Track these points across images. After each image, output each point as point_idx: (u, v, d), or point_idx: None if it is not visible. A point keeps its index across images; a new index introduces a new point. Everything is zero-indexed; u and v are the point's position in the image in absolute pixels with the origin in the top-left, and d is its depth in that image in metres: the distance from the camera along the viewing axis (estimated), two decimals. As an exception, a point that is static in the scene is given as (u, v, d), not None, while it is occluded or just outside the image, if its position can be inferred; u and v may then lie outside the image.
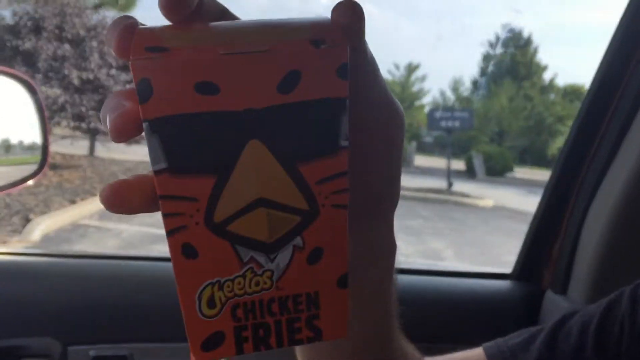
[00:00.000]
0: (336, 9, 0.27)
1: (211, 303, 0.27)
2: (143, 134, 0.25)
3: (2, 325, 0.90)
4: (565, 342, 0.53)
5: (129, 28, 0.25)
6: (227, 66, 0.24)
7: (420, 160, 17.95)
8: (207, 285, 0.27)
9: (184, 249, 0.26)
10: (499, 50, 26.28)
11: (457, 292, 1.06)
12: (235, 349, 0.28)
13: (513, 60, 25.10)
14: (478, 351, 0.56)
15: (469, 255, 6.00)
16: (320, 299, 0.28)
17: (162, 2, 0.25)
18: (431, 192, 10.98)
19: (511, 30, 26.31)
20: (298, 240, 0.27)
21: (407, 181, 12.32)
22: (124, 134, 0.25)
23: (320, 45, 0.25)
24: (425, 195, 10.63)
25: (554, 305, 1.02)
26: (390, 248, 0.37)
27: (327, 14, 0.27)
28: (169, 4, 0.25)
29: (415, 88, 28.48)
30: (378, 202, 0.34)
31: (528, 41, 25.94)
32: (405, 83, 28.30)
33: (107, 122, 0.25)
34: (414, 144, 18.72)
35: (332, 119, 0.26)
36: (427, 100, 28.83)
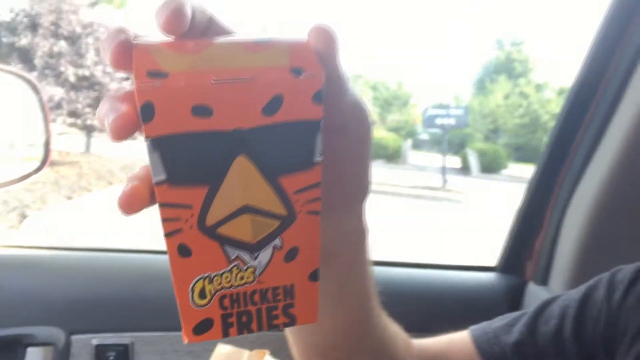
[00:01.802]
0: (313, 33, 0.31)
1: (202, 294, 0.31)
2: (141, 137, 0.29)
3: (9, 314, 0.93)
4: (546, 325, 0.57)
5: (124, 44, 0.29)
6: (219, 92, 0.29)
7: (416, 157, 17.99)
8: (199, 279, 0.31)
9: (179, 249, 0.30)
10: (495, 47, 26.32)
11: (443, 285, 1.10)
12: (222, 333, 0.33)
13: (508, 57, 25.15)
14: (464, 333, 0.60)
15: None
16: (295, 291, 0.33)
17: (161, 25, 0.29)
18: (426, 189, 11.03)
19: (508, 29, 26.31)
20: (277, 241, 0.32)
21: (403, 178, 12.37)
22: (123, 134, 0.28)
23: (300, 74, 0.30)
24: (420, 192, 10.68)
25: (536, 296, 1.07)
26: (361, 233, 0.42)
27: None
28: (168, 27, 0.29)
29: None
30: (351, 194, 0.39)
31: (525, 39, 26.01)
32: (400, 80, 28.31)
33: (105, 123, 0.29)
34: (409, 142, 18.74)
35: (309, 138, 0.31)
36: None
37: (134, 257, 1.07)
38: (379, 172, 13.46)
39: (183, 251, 0.30)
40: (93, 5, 9.98)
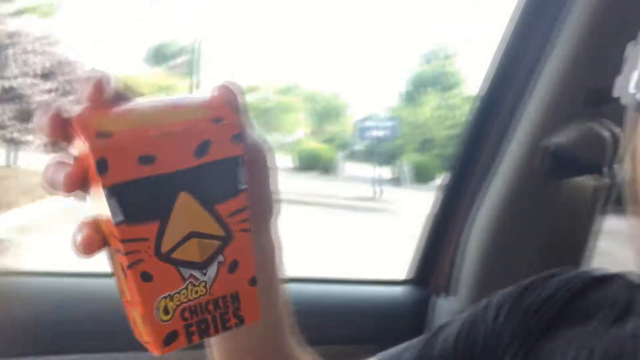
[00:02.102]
0: (222, 89, 0.40)
1: (166, 311, 0.38)
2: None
3: None
4: (439, 347, 0.60)
5: (56, 117, 0.36)
6: (159, 143, 0.36)
7: (350, 168, 18.22)
8: (162, 299, 0.38)
9: (142, 276, 0.37)
10: (425, 60, 27.05)
11: (353, 299, 1.16)
12: (186, 341, 0.39)
13: (440, 70, 25.89)
14: None
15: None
16: (240, 296, 0.41)
17: (88, 97, 0.36)
18: (360, 200, 11.20)
19: (437, 42, 27.17)
20: (220, 258, 0.40)
21: (336, 189, 12.50)
22: (74, 189, 0.36)
23: (220, 122, 0.39)
24: (353, 204, 10.82)
25: (442, 307, 1.15)
26: (274, 247, 0.50)
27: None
28: (94, 97, 0.36)
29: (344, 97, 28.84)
30: (262, 214, 0.47)
31: (454, 52, 26.85)
32: (334, 92, 28.61)
33: (55, 184, 0.36)
34: (343, 153, 18.97)
35: (233, 171, 0.39)
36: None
37: (63, 280, 1.06)
38: (313, 183, 13.56)
39: (146, 277, 0.37)
40: (17, 14, 9.65)
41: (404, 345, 0.64)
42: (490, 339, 0.58)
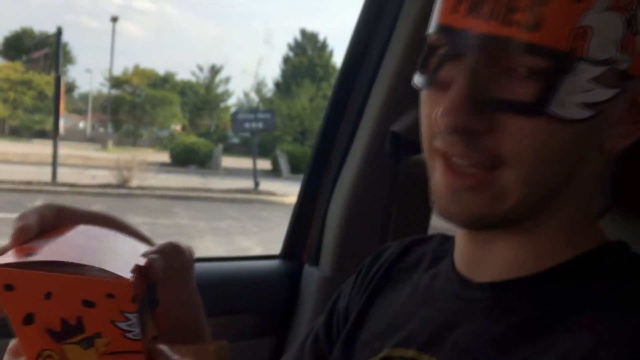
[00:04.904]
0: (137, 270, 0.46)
1: None
2: None
3: None
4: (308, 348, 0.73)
5: None
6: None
7: (228, 161, 18.20)
8: None
9: None
10: (298, 52, 27.50)
11: (237, 272, 1.29)
12: None
13: (311, 62, 26.46)
14: None
15: (277, 250, 6.35)
16: None
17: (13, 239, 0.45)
18: (239, 193, 11.27)
19: (308, 34, 27.70)
20: None
21: (215, 183, 12.49)
22: None
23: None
24: (233, 196, 10.88)
25: (310, 275, 1.30)
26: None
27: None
28: (17, 240, 0.45)
29: (219, 90, 28.64)
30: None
31: (324, 44, 27.53)
32: (209, 85, 28.30)
33: None
34: (220, 147, 18.88)
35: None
36: (232, 101, 29.12)
37: None
38: (191, 178, 13.42)
39: None
40: None
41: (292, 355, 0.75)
42: (345, 313, 0.72)
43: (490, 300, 0.55)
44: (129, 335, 0.43)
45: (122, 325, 0.42)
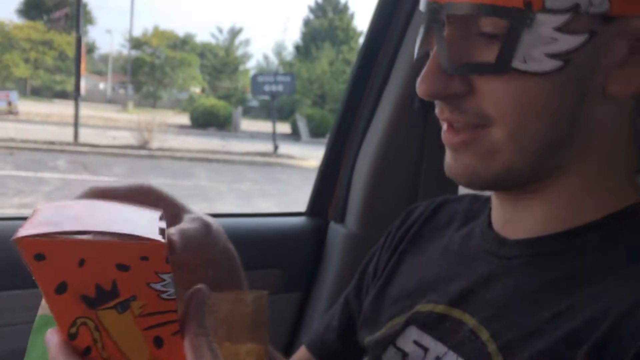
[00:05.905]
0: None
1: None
2: None
3: None
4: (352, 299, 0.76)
5: None
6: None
7: (247, 124, 18.23)
8: None
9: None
10: (318, 15, 27.15)
11: (261, 229, 1.31)
12: None
13: (331, 25, 26.13)
14: (302, 349, 0.78)
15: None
16: None
17: None
18: (258, 156, 11.31)
19: (328, -4, 27.29)
20: None
21: (235, 146, 12.53)
22: None
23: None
24: (252, 159, 10.93)
25: (336, 232, 1.32)
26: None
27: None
28: None
29: (239, 52, 28.51)
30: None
31: (345, 7, 27.13)
32: (229, 47, 28.17)
33: None
34: (240, 109, 18.88)
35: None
36: (251, 64, 28.98)
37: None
38: (210, 140, 13.47)
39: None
40: None
41: (324, 318, 0.79)
42: (374, 272, 0.75)
43: (526, 256, 0.56)
44: (164, 295, 0.43)
45: (157, 286, 0.43)
